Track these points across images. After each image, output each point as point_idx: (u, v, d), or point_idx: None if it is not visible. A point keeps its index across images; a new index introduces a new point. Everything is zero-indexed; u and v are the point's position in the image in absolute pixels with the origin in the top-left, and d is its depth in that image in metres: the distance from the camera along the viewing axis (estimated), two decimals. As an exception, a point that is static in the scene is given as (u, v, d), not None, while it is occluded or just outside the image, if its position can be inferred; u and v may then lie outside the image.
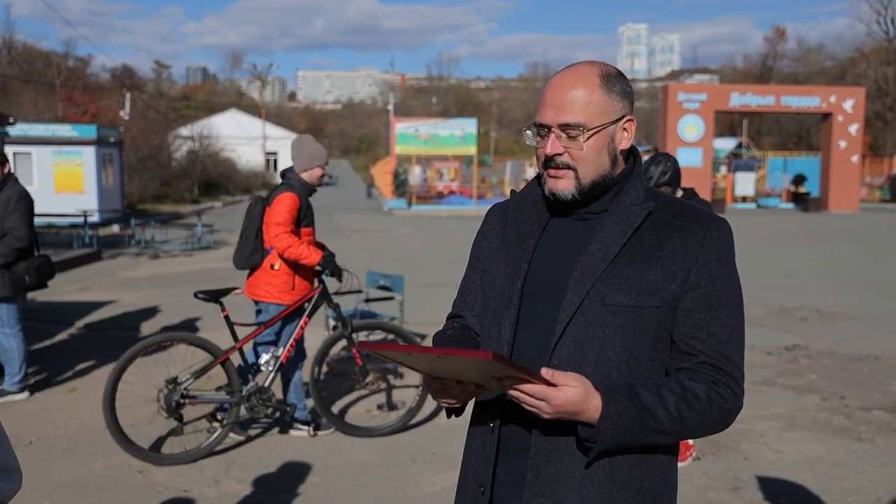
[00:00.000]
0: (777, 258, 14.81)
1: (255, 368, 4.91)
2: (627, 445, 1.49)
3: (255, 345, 5.06)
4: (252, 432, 5.08)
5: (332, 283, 5.38)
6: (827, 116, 30.96)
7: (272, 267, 4.91)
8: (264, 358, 4.88)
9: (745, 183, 32.51)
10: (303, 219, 4.94)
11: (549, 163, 1.59)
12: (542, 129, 1.60)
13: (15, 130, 17.71)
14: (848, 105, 30.35)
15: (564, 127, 1.56)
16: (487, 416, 1.63)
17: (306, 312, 4.96)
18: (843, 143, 30.44)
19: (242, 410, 4.79)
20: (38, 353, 7.05)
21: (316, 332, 7.04)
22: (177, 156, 40.00)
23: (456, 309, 1.81)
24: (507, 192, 18.78)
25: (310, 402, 5.33)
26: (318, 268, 5.00)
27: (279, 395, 5.26)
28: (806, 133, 53.36)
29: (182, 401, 4.57)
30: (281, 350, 4.90)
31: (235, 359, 4.85)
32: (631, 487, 1.53)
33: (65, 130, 23.28)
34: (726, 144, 41.44)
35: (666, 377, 1.56)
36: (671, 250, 1.54)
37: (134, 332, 8.14)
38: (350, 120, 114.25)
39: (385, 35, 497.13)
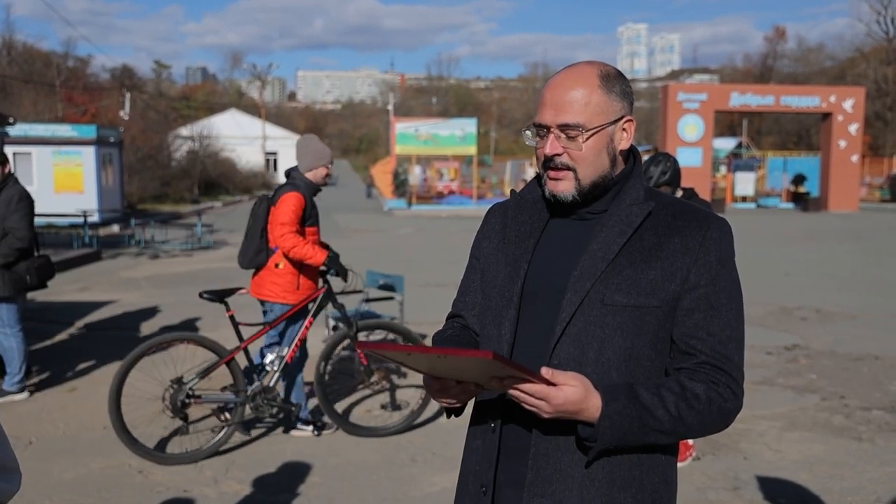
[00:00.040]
0: (777, 258, 14.81)
1: (260, 368, 4.91)
2: (627, 445, 1.50)
3: (262, 346, 5.07)
4: (252, 432, 5.08)
5: (335, 283, 5.38)
6: (827, 116, 30.96)
7: (277, 266, 4.90)
8: (269, 358, 4.88)
9: (744, 183, 32.51)
10: (307, 218, 4.93)
11: (548, 163, 1.60)
12: (542, 130, 1.60)
13: (15, 130, 17.69)
14: (848, 105, 30.35)
15: (564, 127, 1.56)
16: (488, 415, 1.63)
17: (311, 312, 4.95)
18: (842, 143, 30.45)
19: (247, 410, 4.79)
20: (38, 353, 7.05)
21: (316, 333, 7.04)
22: (177, 156, 40.01)
23: (456, 309, 1.81)
24: (507, 192, 18.80)
25: (312, 402, 5.33)
26: (323, 267, 5.00)
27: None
28: (806, 133, 53.34)
29: (187, 400, 4.57)
30: (286, 350, 4.90)
31: (240, 359, 4.85)
32: (631, 487, 1.53)
33: (64, 130, 23.29)
34: (726, 144, 41.43)
35: (666, 377, 1.56)
36: (671, 250, 1.55)
37: (134, 332, 8.15)
38: (350, 120, 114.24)
39: (385, 35, 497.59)
